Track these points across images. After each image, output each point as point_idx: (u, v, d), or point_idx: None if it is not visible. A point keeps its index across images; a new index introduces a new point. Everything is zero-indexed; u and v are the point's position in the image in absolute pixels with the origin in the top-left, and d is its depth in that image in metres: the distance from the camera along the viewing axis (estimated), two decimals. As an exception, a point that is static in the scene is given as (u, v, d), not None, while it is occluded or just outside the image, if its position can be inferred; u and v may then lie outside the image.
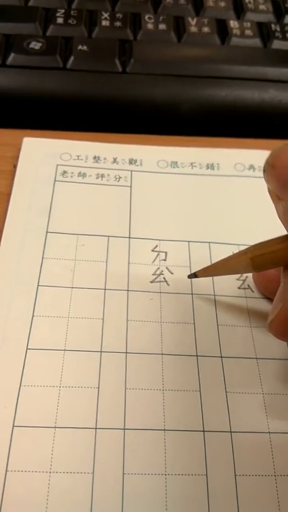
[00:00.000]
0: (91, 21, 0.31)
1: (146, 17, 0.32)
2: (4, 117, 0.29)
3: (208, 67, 0.30)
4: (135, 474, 0.18)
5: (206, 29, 0.32)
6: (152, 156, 0.28)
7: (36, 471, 0.17)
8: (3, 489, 0.17)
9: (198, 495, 0.17)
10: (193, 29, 0.31)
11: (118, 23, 0.31)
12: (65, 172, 0.26)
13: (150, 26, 0.31)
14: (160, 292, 0.23)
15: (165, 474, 0.18)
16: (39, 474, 0.17)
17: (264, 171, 0.17)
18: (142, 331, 0.21)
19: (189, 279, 0.23)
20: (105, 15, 0.31)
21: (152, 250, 0.24)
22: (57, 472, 0.17)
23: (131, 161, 0.27)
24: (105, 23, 0.31)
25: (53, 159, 0.27)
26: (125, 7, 0.32)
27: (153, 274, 0.23)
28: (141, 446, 0.18)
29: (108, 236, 0.24)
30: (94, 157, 0.27)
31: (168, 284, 0.23)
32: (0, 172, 0.27)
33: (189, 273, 0.23)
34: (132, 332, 0.21)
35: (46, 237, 0.24)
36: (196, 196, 0.27)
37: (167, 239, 0.25)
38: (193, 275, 0.23)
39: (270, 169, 0.17)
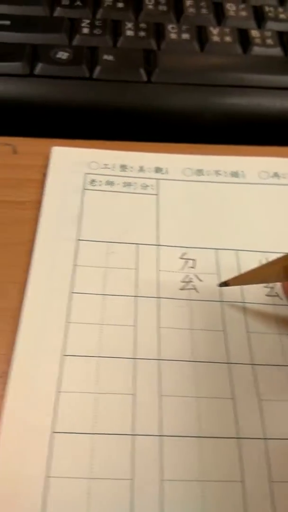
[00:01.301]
0: (116, 31, 0.32)
1: (169, 27, 0.32)
2: (32, 126, 0.29)
3: (231, 76, 0.30)
4: (173, 480, 0.18)
5: (228, 39, 0.32)
6: (178, 164, 0.28)
7: (76, 477, 0.18)
8: (45, 495, 0.17)
9: (234, 502, 0.18)
10: (215, 38, 0.32)
11: (142, 33, 0.32)
12: (93, 180, 0.27)
13: (173, 36, 0.32)
14: (190, 299, 0.23)
15: (202, 481, 0.18)
16: (80, 480, 0.18)
17: None
18: (174, 338, 0.22)
19: (218, 287, 0.23)
20: (129, 25, 0.32)
21: (180, 258, 0.25)
22: (97, 478, 0.18)
23: (157, 170, 0.28)
24: (129, 33, 0.31)
25: (81, 167, 0.27)
26: (148, 17, 0.33)
27: (182, 281, 0.24)
28: (178, 452, 0.19)
29: (137, 244, 0.25)
30: (121, 166, 0.28)
31: (197, 292, 0.23)
32: (30, 181, 0.27)
33: (217, 281, 0.23)
34: (164, 339, 0.22)
35: (77, 244, 0.24)
36: (221, 203, 0.27)
37: (195, 246, 0.25)
38: (224, 284, 0.23)
39: None
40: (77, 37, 0.31)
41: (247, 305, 0.23)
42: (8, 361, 0.21)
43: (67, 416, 0.19)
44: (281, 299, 0.23)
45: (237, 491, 0.18)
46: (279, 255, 0.21)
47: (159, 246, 0.25)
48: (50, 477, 0.18)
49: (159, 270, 0.24)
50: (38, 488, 0.17)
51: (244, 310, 0.23)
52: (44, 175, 0.27)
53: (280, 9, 0.34)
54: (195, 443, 0.19)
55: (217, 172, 0.28)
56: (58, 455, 0.18)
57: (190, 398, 0.20)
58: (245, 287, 0.24)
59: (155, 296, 0.23)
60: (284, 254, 0.20)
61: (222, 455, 0.19)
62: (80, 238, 0.24)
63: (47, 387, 0.20)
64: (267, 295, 0.24)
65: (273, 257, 0.22)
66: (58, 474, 0.18)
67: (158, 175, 0.28)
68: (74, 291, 0.23)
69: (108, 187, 0.27)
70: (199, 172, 0.28)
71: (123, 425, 0.19)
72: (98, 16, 0.33)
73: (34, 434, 0.18)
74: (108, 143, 0.29)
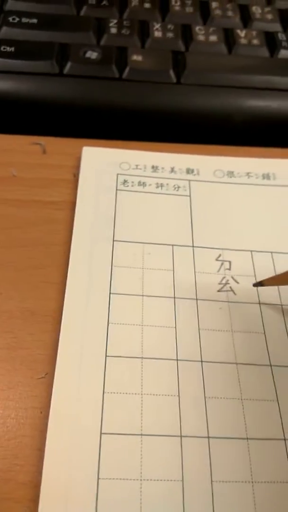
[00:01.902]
0: (143, 31, 0.32)
1: (197, 28, 0.32)
2: (61, 126, 0.29)
3: (260, 78, 0.30)
4: (223, 481, 0.18)
5: (255, 41, 0.32)
6: (209, 166, 0.28)
7: (127, 479, 0.18)
8: (97, 497, 0.17)
9: (285, 503, 0.18)
10: (243, 41, 0.32)
11: (170, 34, 0.31)
12: (125, 181, 0.27)
13: (201, 37, 0.32)
14: (228, 301, 0.23)
15: (252, 482, 0.18)
16: (131, 482, 0.18)
17: None
18: (214, 340, 0.22)
19: (255, 288, 0.23)
20: (157, 25, 0.32)
21: (216, 259, 0.24)
22: (148, 479, 0.18)
23: (188, 171, 0.28)
24: (157, 34, 0.31)
25: (113, 168, 0.27)
26: (175, 18, 0.33)
27: (219, 283, 0.24)
28: (226, 454, 0.19)
29: (172, 245, 0.25)
30: (152, 167, 0.28)
31: (235, 294, 0.23)
32: (61, 181, 0.27)
33: (254, 282, 0.23)
34: (205, 341, 0.22)
35: (113, 245, 0.24)
36: (254, 205, 0.27)
37: (230, 248, 0.25)
38: (259, 284, 0.23)
39: None
40: (105, 37, 0.31)
41: (286, 307, 0.23)
42: (50, 361, 0.20)
43: (114, 417, 0.19)
44: None
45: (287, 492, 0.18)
46: None
47: (194, 248, 0.25)
48: (101, 479, 0.17)
49: (196, 272, 0.24)
50: (90, 491, 0.17)
51: (283, 311, 0.23)
52: (74, 175, 0.27)
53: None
54: (243, 444, 0.19)
55: (248, 174, 0.28)
56: (107, 457, 0.18)
57: (235, 400, 0.20)
58: (282, 288, 0.24)
59: (194, 298, 0.23)
60: None
61: (270, 456, 0.19)
62: (116, 239, 0.24)
63: (93, 388, 0.19)
64: (304, 297, 0.24)
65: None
66: (108, 476, 0.18)
67: (190, 176, 0.28)
68: (113, 292, 0.22)
69: (140, 188, 0.27)
70: (230, 174, 0.28)
71: (171, 426, 0.19)
72: (125, 16, 0.32)
73: (83, 435, 0.18)
74: (137, 143, 0.29)
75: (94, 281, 0.23)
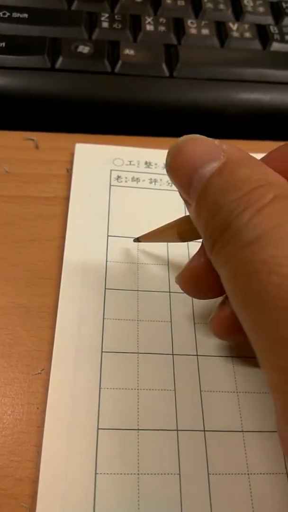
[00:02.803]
0: (135, 25, 0.31)
1: (189, 22, 0.32)
2: (54, 121, 0.29)
3: (252, 71, 0.30)
4: (219, 474, 0.18)
5: (247, 34, 0.32)
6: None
7: (124, 473, 0.18)
8: (95, 492, 0.17)
9: (281, 494, 0.18)
10: (235, 34, 0.32)
11: (162, 28, 0.31)
12: (119, 177, 0.27)
13: (193, 31, 0.32)
14: (223, 295, 0.23)
15: (248, 474, 0.18)
16: (128, 476, 0.18)
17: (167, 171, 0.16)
18: (210, 333, 0.22)
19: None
20: (149, 19, 0.32)
21: (211, 254, 0.24)
22: (145, 473, 0.18)
23: (182, 165, 0.28)
24: (149, 27, 0.31)
25: (106, 164, 0.27)
26: (166, 12, 0.33)
27: (214, 277, 0.24)
28: (222, 447, 0.19)
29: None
30: (146, 163, 0.28)
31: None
32: (54, 176, 0.27)
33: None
34: (200, 334, 0.22)
35: (107, 240, 0.24)
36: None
37: (224, 242, 0.25)
38: (137, 240, 0.23)
39: (170, 173, 0.16)
40: (97, 31, 0.31)
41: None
42: (46, 357, 0.20)
43: (111, 412, 0.19)
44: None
45: (284, 483, 0.18)
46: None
47: (189, 243, 0.25)
48: (98, 473, 0.18)
49: (191, 266, 0.24)
50: (88, 486, 0.17)
51: None
52: (67, 170, 0.27)
53: (296, 5, 0.35)
54: (238, 437, 0.19)
55: (241, 168, 0.28)
56: (104, 452, 0.18)
57: (230, 393, 0.20)
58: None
59: (189, 292, 0.23)
60: (177, 220, 0.20)
61: (265, 449, 0.19)
62: (110, 234, 0.24)
63: (89, 384, 0.19)
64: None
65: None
66: (106, 470, 0.18)
67: (183, 171, 0.27)
68: (108, 287, 0.22)
69: (134, 184, 0.27)
70: (224, 167, 0.28)
71: (167, 421, 0.19)
72: (117, 10, 0.32)
73: (80, 431, 0.18)
74: (130, 138, 0.29)
75: (88, 277, 0.23)
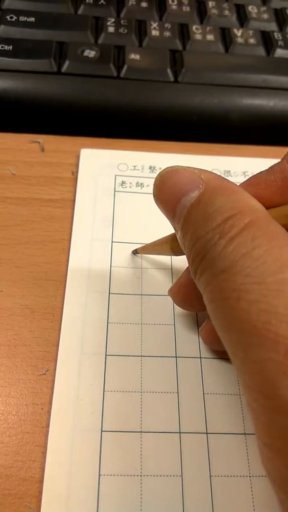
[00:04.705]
0: (141, 30, 0.32)
1: (194, 27, 0.32)
2: (60, 125, 0.29)
3: (256, 77, 0.31)
4: (221, 476, 0.18)
5: (251, 41, 0.32)
6: (205, 166, 0.28)
7: (127, 475, 0.18)
8: (98, 493, 0.17)
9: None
10: (240, 40, 0.32)
11: (167, 33, 0.32)
12: (123, 182, 0.27)
13: (198, 36, 0.32)
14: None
15: (250, 476, 0.18)
16: (131, 478, 0.18)
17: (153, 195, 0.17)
18: (212, 337, 0.22)
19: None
20: (154, 24, 0.32)
21: (214, 258, 0.25)
22: (148, 475, 0.18)
23: (186, 170, 0.28)
24: (154, 32, 0.32)
25: (111, 169, 0.27)
26: (172, 18, 0.33)
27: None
28: (224, 449, 0.19)
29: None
30: (150, 167, 0.28)
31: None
32: (61, 179, 0.27)
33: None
34: (203, 338, 0.22)
35: (112, 246, 0.24)
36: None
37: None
38: (135, 252, 0.24)
39: (157, 203, 0.17)
40: (103, 35, 0.31)
41: None
42: (51, 358, 0.21)
43: (115, 415, 0.19)
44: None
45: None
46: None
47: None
48: (102, 475, 0.18)
49: (194, 270, 0.24)
50: (92, 487, 0.17)
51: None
52: (72, 173, 0.27)
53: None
54: (240, 440, 0.19)
55: (244, 173, 0.28)
56: (108, 454, 0.18)
57: (232, 396, 0.20)
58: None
59: (192, 295, 0.23)
60: (170, 235, 0.20)
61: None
62: (115, 240, 0.25)
63: (94, 387, 0.20)
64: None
65: None
66: (109, 472, 0.18)
67: (187, 175, 0.28)
68: (113, 292, 0.23)
69: (138, 189, 0.27)
70: (227, 173, 0.28)
71: (170, 423, 0.19)
72: (123, 15, 0.33)
73: (84, 433, 0.19)
74: (135, 142, 0.29)
75: (93, 281, 0.23)
